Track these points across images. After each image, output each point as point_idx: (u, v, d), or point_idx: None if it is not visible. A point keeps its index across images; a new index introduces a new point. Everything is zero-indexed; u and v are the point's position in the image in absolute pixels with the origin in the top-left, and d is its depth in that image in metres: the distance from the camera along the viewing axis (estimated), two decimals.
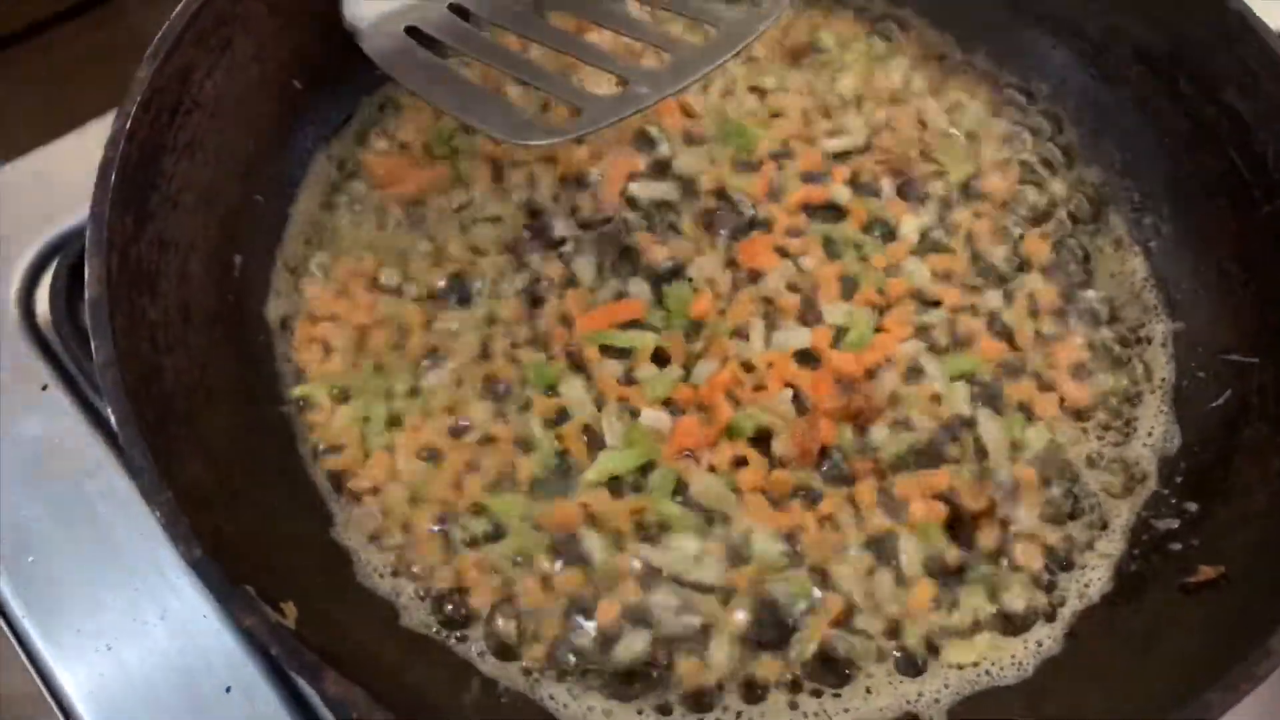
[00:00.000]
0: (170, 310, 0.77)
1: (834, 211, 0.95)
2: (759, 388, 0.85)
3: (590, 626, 0.76)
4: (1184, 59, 0.91)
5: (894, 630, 0.78)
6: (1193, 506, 0.81)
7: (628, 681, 0.75)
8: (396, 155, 0.94)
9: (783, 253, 0.92)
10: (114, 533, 0.86)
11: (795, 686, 0.75)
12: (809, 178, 0.96)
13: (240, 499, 0.73)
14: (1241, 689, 0.63)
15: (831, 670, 0.76)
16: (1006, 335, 0.90)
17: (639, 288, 0.89)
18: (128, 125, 0.75)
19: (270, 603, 0.63)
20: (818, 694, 0.75)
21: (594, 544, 0.79)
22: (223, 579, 0.61)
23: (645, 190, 0.94)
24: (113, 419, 0.65)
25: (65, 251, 0.96)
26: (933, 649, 0.77)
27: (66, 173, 1.00)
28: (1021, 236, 0.95)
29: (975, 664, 0.76)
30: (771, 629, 0.77)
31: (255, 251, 0.87)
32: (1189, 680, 0.66)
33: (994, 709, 0.74)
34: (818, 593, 0.78)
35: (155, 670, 0.83)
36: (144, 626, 0.84)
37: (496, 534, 0.79)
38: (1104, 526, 0.83)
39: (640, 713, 0.73)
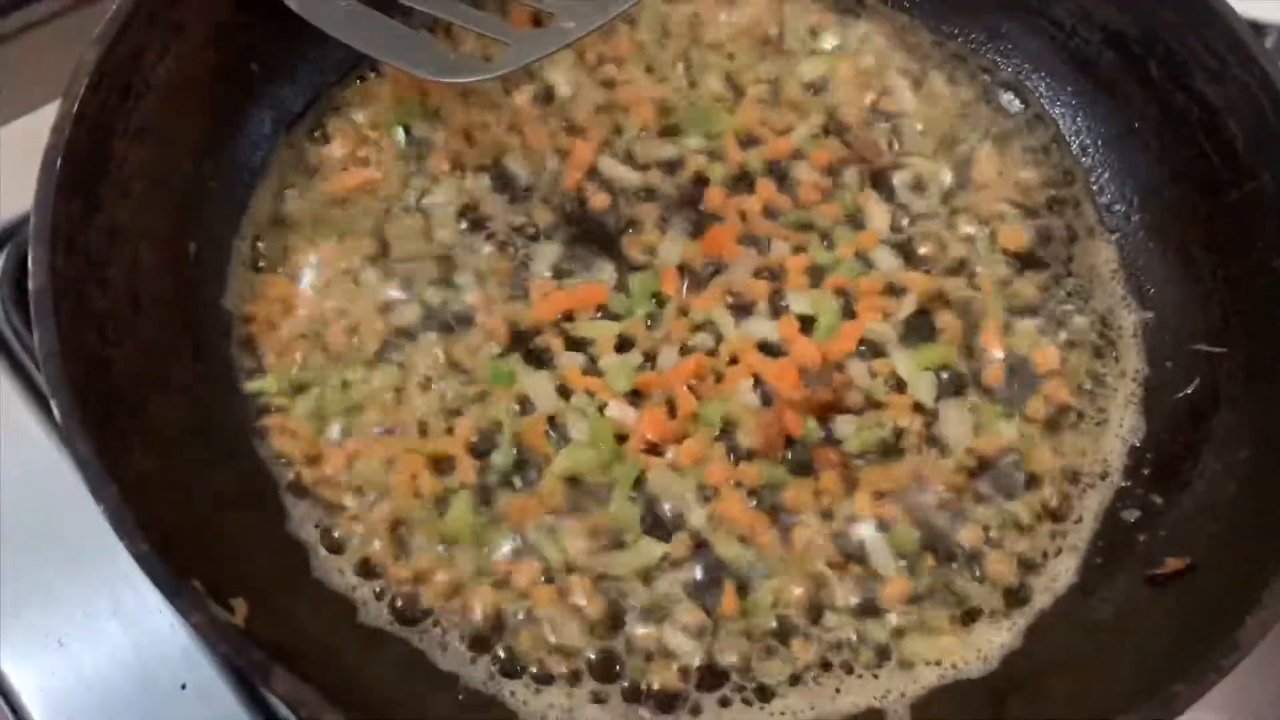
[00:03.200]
0: (119, 299, 0.75)
1: (802, 199, 0.93)
2: (721, 378, 0.83)
3: (547, 622, 0.75)
4: (1154, 44, 0.91)
5: (862, 628, 0.77)
6: (1159, 498, 0.80)
7: (589, 678, 0.74)
8: (354, 142, 0.92)
9: (749, 241, 0.90)
10: (66, 525, 0.84)
11: (761, 688, 0.74)
12: (775, 165, 0.94)
13: (193, 491, 0.72)
14: (1208, 682, 0.62)
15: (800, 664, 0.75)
16: (979, 326, 0.89)
17: (604, 272, 0.88)
18: (74, 109, 0.73)
19: (219, 598, 0.62)
20: (784, 694, 0.74)
21: (551, 545, 0.77)
22: (169, 574, 0.60)
23: (610, 174, 0.92)
24: (55, 411, 0.64)
25: (16, 238, 0.94)
26: (899, 645, 0.76)
27: (19, 157, 0.97)
28: (996, 225, 0.94)
29: (940, 659, 0.75)
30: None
31: (211, 240, 0.85)
32: (1156, 673, 0.65)
33: (959, 703, 0.73)
34: (785, 594, 0.77)
35: (108, 666, 0.81)
36: (97, 621, 0.82)
37: (454, 530, 0.78)
38: (1071, 519, 0.82)
39: (603, 709, 0.72)
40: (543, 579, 0.77)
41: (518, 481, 0.80)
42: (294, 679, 0.57)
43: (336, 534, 0.77)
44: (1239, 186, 0.85)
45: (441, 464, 0.80)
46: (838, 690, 0.74)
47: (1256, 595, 0.65)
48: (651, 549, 0.78)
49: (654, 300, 0.87)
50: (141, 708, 0.80)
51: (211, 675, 0.81)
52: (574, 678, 0.73)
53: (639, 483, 0.80)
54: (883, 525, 0.80)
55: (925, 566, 0.79)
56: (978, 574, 0.79)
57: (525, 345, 0.84)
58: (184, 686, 0.81)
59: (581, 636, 0.75)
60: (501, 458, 0.80)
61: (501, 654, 0.74)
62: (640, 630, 0.75)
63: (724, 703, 0.73)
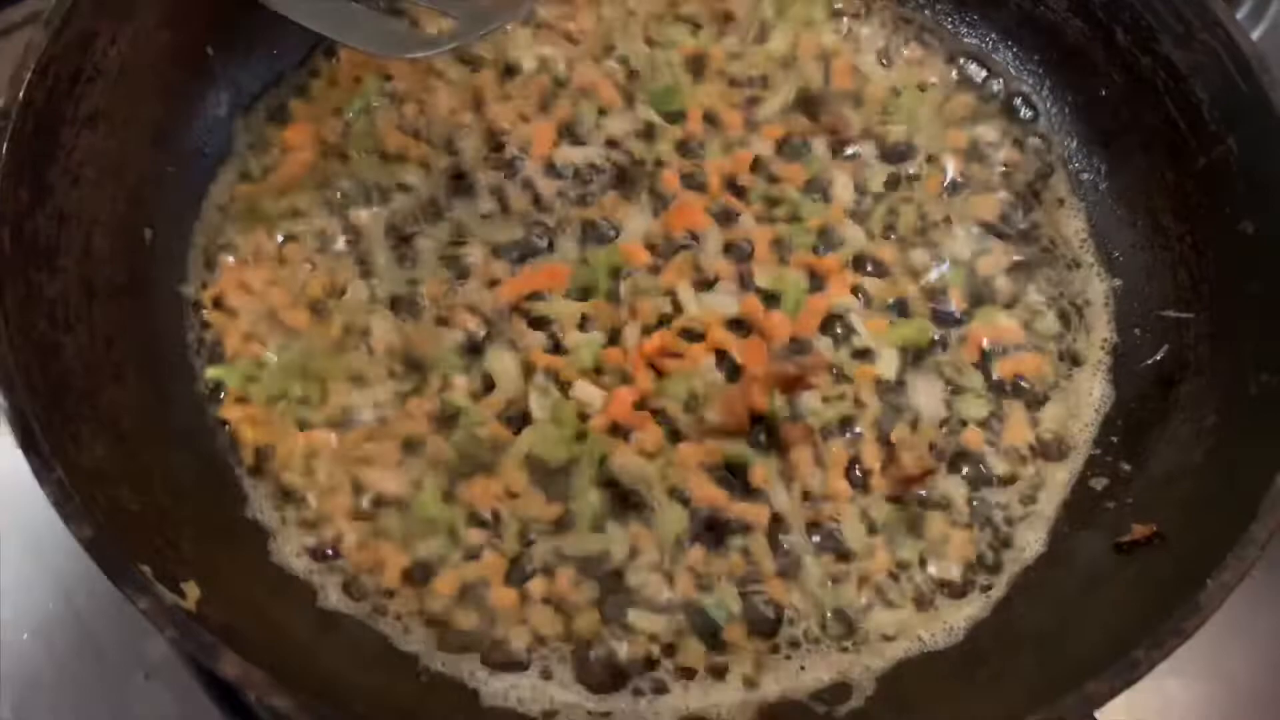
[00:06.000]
0: (71, 286, 0.74)
1: (768, 174, 0.92)
2: (685, 355, 0.83)
3: (510, 604, 0.74)
4: (1120, 10, 0.89)
5: (828, 603, 0.76)
6: (1127, 465, 0.80)
7: (550, 659, 0.73)
8: (314, 125, 0.91)
9: (714, 216, 0.89)
10: (27, 514, 0.82)
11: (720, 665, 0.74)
12: (739, 140, 0.93)
13: (149, 476, 0.71)
14: (1169, 646, 0.61)
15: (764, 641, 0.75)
16: (948, 297, 0.88)
17: (567, 252, 0.87)
18: (21, 95, 0.72)
19: (170, 582, 0.61)
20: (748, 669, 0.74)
21: (513, 529, 0.77)
22: (114, 560, 0.59)
23: (570, 156, 0.91)
24: (2, 397, 0.63)
25: None
26: (866, 620, 0.76)
27: None
28: (966, 195, 0.93)
29: (908, 633, 0.75)
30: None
31: (169, 225, 0.84)
32: (1122, 638, 0.65)
33: (927, 674, 0.73)
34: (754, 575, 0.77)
35: (71, 656, 0.81)
36: (59, 611, 0.82)
37: (417, 516, 0.77)
38: (1040, 490, 0.81)
39: (564, 689, 0.71)
40: (505, 562, 0.76)
41: (478, 465, 0.79)
42: (242, 661, 0.57)
43: (296, 518, 0.76)
44: (1206, 152, 0.84)
45: (403, 449, 0.79)
46: (802, 667, 0.73)
47: (1220, 558, 0.64)
48: (616, 533, 0.77)
49: (616, 276, 0.86)
50: (104, 696, 0.80)
51: (175, 663, 0.80)
52: (536, 658, 0.73)
53: (603, 464, 0.79)
54: (852, 500, 0.80)
55: (895, 540, 0.79)
56: (947, 547, 0.78)
57: (488, 326, 0.83)
58: (147, 675, 0.81)
59: (544, 618, 0.74)
60: (461, 442, 0.79)
61: (464, 635, 0.73)
62: (603, 612, 0.75)
63: (688, 676, 0.73)
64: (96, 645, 0.81)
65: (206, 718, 0.80)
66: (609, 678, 0.73)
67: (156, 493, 0.70)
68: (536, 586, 0.75)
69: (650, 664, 0.73)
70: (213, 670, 0.57)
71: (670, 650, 0.74)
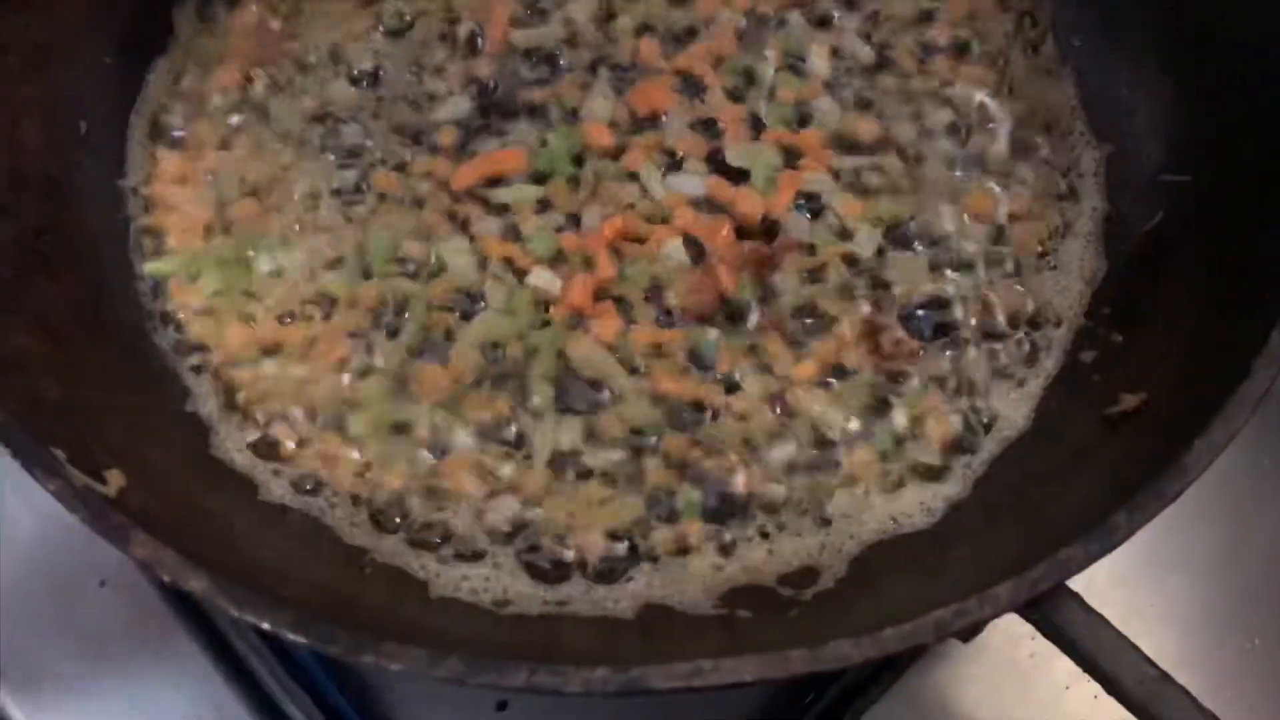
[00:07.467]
0: None
1: (740, 47, 0.87)
2: (649, 239, 0.78)
3: (465, 498, 0.71)
4: None
5: (798, 486, 0.73)
6: (1119, 336, 0.75)
7: (505, 550, 0.70)
8: (261, 11, 0.86)
9: (684, 93, 0.84)
10: None
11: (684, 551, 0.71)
12: (709, 14, 0.88)
13: (80, 369, 0.68)
14: (1150, 510, 0.57)
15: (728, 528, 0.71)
16: (928, 173, 0.83)
17: (525, 136, 0.82)
18: None
19: (90, 469, 0.58)
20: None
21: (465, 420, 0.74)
22: (26, 444, 0.56)
23: (527, 38, 0.86)
24: None
25: None
26: (837, 503, 0.72)
27: None
28: (954, 67, 0.87)
29: (882, 514, 0.71)
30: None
31: (105, 117, 0.80)
32: (1105, 508, 0.60)
33: (901, 554, 0.69)
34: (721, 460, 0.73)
35: (23, 563, 0.78)
36: (9, 517, 0.79)
37: (364, 410, 0.74)
38: (1027, 366, 0.77)
39: (514, 576, 0.68)
40: (461, 458, 0.73)
41: (428, 356, 0.75)
42: (153, 540, 0.53)
43: (240, 413, 0.73)
44: (1199, 7, 0.78)
45: (351, 339, 0.76)
46: (770, 551, 0.70)
47: (1206, 421, 0.59)
48: (572, 424, 0.74)
49: (577, 159, 0.81)
50: (59, 606, 0.78)
51: (131, 571, 0.78)
52: (491, 548, 0.70)
53: (560, 354, 0.75)
54: (825, 383, 0.76)
55: (871, 423, 0.75)
56: (927, 427, 0.74)
57: (441, 213, 0.79)
58: (103, 583, 0.79)
59: (498, 510, 0.71)
60: (410, 334, 0.76)
61: (414, 528, 0.70)
62: (563, 505, 0.71)
63: (650, 562, 0.69)
64: (48, 552, 0.79)
65: (163, 624, 0.78)
66: (567, 566, 0.69)
67: (87, 385, 0.67)
68: (491, 480, 0.72)
69: (611, 552, 0.70)
70: (124, 552, 0.54)
71: (632, 537, 0.70)
